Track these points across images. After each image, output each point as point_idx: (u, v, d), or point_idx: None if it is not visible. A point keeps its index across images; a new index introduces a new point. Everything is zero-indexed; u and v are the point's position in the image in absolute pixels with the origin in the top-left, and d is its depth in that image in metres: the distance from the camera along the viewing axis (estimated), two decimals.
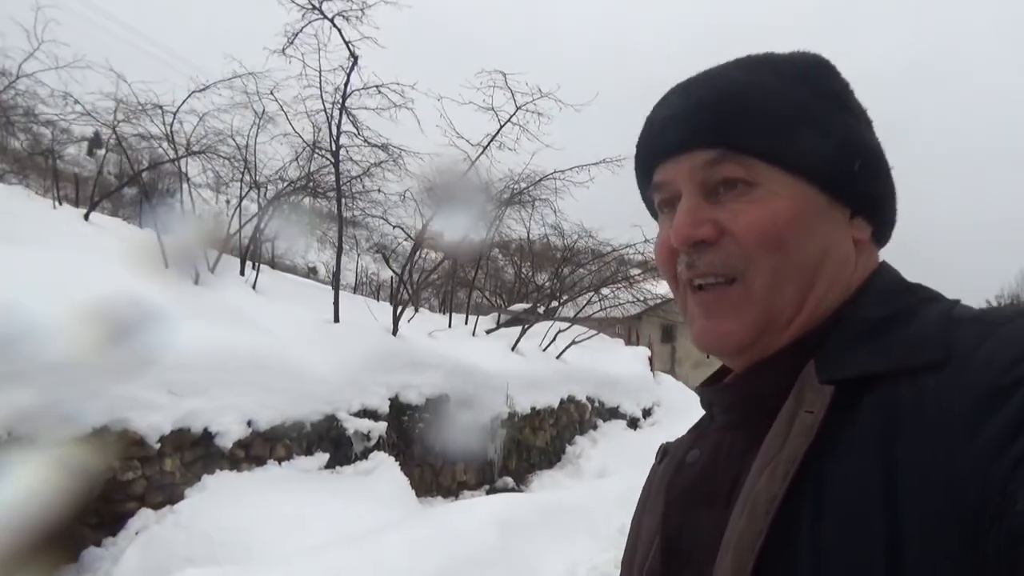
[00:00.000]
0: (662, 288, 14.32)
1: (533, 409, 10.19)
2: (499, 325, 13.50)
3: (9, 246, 5.99)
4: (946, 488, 0.50)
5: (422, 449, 8.08)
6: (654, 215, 0.81)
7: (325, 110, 8.63)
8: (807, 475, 0.56)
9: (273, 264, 16.31)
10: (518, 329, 12.10)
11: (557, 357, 12.22)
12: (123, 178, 13.62)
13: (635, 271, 14.20)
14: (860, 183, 0.69)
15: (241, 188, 11.46)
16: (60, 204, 13.51)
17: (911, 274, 0.70)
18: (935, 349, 0.57)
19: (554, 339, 12.31)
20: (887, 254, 0.75)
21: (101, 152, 15.43)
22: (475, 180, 10.19)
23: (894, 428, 0.54)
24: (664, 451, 0.84)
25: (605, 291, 14.82)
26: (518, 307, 14.94)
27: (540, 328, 12.57)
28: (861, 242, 0.70)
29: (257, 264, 11.93)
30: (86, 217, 12.14)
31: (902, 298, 0.66)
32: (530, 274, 17.15)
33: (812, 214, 0.67)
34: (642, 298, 15.10)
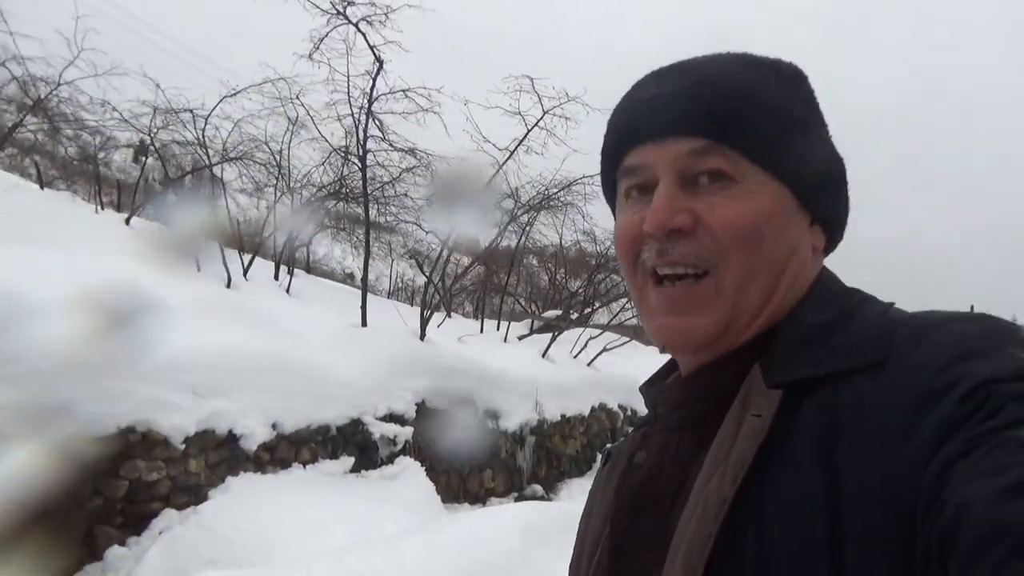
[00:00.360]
0: None
1: (563, 416, 10.08)
2: (532, 331, 13.43)
3: (43, 249, 6.11)
4: (883, 488, 0.50)
5: (448, 455, 8.02)
6: (610, 197, 0.79)
7: (352, 115, 8.68)
8: (753, 480, 0.56)
9: (309, 269, 16.47)
10: (550, 335, 12.01)
11: (588, 364, 12.09)
12: (166, 184, 13.93)
13: None
14: (824, 192, 0.71)
15: (275, 193, 11.61)
16: (103, 209, 13.88)
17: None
18: (873, 352, 0.58)
19: (585, 346, 12.18)
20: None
21: (146, 159, 15.80)
22: (502, 184, 10.15)
23: (834, 432, 0.55)
24: (609, 453, 0.84)
25: None
26: (551, 313, 14.84)
27: (572, 335, 12.45)
28: (817, 250, 0.72)
29: (291, 268, 12.07)
30: (127, 222, 12.44)
31: (841, 301, 0.67)
32: (564, 280, 17.04)
33: (785, 216, 0.67)
34: None
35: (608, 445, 0.86)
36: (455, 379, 8.18)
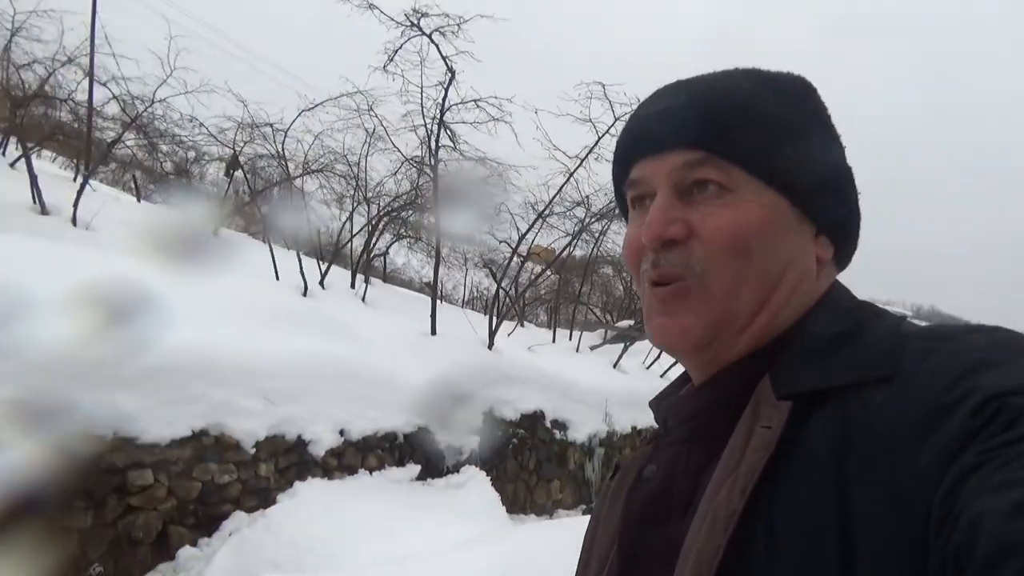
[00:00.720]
0: None
1: (634, 428, 9.88)
2: (604, 341, 13.25)
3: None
4: (893, 502, 0.50)
5: (515, 465, 7.98)
6: (624, 210, 0.81)
7: (425, 125, 8.80)
8: (763, 492, 0.56)
9: (386, 278, 16.78)
10: (623, 345, 11.82)
11: (662, 375, 11.84)
12: (260, 196, 14.53)
13: None
14: (831, 203, 0.71)
15: (353, 204, 11.91)
16: (192, 220, 14.56)
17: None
18: (884, 365, 0.57)
19: (658, 357, 11.93)
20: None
21: (233, 172, 16.52)
22: (572, 192, 10.08)
23: (844, 444, 0.54)
24: (617, 466, 0.84)
25: None
26: (625, 323, 14.62)
27: (645, 345, 12.22)
28: (822, 260, 0.72)
29: (367, 277, 12.34)
30: (215, 232, 13.03)
31: (853, 314, 0.67)
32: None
33: (781, 226, 0.68)
34: None
35: (616, 459, 0.84)
36: (524, 389, 8.13)
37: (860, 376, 0.58)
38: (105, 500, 4.55)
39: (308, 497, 5.64)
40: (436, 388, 5.95)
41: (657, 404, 0.79)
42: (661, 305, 0.70)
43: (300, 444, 5.82)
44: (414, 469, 6.71)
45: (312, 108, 9.32)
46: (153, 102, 9.96)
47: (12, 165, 11.96)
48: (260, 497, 5.49)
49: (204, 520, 5.18)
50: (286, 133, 9.52)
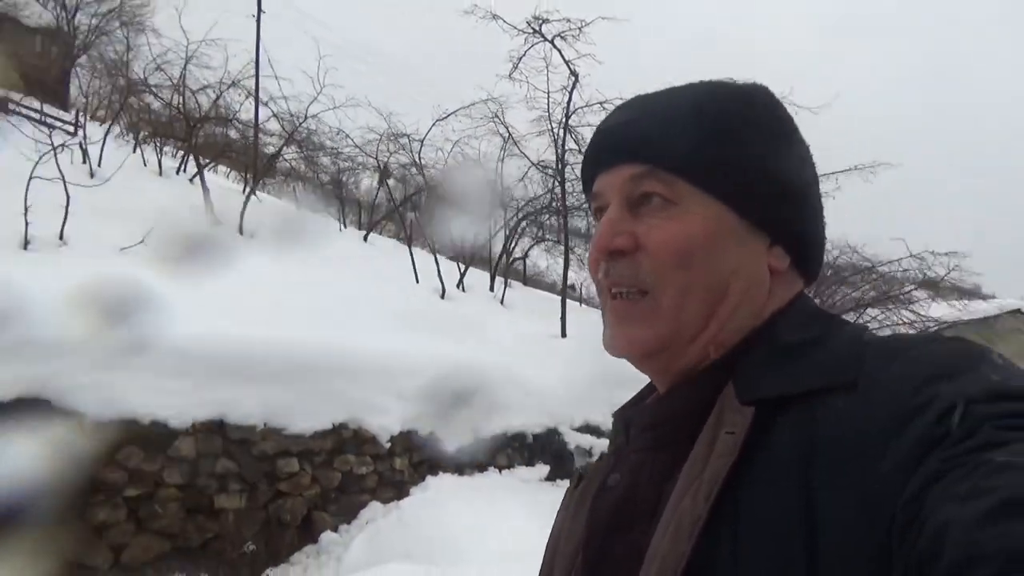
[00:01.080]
0: (940, 310, 12.55)
1: None
2: None
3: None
4: (863, 508, 0.50)
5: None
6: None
7: (552, 129, 8.89)
8: (727, 498, 0.56)
9: (526, 280, 17.09)
10: None
11: None
12: (405, 204, 15.33)
13: (909, 289, 12.52)
14: (779, 213, 0.71)
15: (491, 208, 12.24)
16: (345, 227, 15.55)
17: None
18: (848, 371, 0.58)
19: None
20: None
21: (383, 181, 17.50)
22: None
23: (810, 449, 0.55)
24: (580, 475, 0.84)
25: (874, 311, 13.25)
26: None
27: None
28: (777, 270, 0.71)
29: (507, 280, 12.64)
30: (365, 238, 13.84)
31: (816, 324, 0.67)
32: None
33: (725, 237, 0.69)
34: (915, 320, 13.12)
35: (577, 467, 0.88)
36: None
37: (826, 381, 0.58)
38: (257, 485, 4.98)
39: (439, 492, 5.87)
40: (439, 383, 5.93)
41: (620, 413, 0.79)
42: (615, 317, 0.72)
43: (432, 440, 6.08)
44: (543, 469, 6.79)
45: (445, 117, 9.71)
46: (306, 117, 10.76)
47: (191, 180, 13.35)
48: (395, 489, 5.79)
49: (344, 508, 5.53)
50: (422, 143, 9.99)
